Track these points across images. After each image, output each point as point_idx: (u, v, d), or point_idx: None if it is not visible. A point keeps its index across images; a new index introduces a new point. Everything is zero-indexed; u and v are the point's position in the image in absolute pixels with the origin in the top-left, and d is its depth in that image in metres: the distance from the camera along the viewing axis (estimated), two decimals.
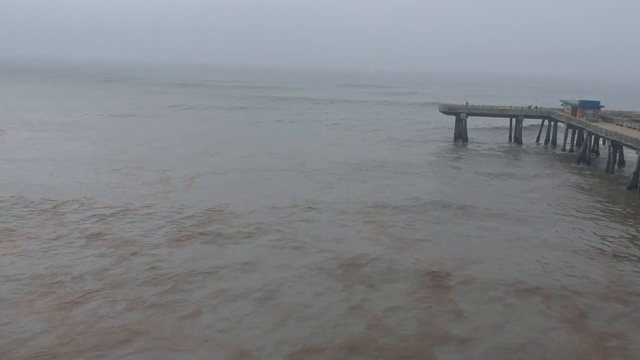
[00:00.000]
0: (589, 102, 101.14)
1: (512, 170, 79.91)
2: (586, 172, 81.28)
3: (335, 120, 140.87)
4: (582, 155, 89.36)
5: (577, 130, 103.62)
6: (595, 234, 50.48)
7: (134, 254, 41.76)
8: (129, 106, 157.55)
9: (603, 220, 55.12)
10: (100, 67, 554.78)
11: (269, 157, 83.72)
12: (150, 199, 56.74)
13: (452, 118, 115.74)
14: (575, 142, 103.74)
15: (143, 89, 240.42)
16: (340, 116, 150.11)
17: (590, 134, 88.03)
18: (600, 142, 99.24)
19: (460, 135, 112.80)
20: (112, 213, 51.36)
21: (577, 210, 58.38)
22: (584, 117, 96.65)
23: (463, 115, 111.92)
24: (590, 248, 46.51)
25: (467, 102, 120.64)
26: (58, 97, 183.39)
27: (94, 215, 50.67)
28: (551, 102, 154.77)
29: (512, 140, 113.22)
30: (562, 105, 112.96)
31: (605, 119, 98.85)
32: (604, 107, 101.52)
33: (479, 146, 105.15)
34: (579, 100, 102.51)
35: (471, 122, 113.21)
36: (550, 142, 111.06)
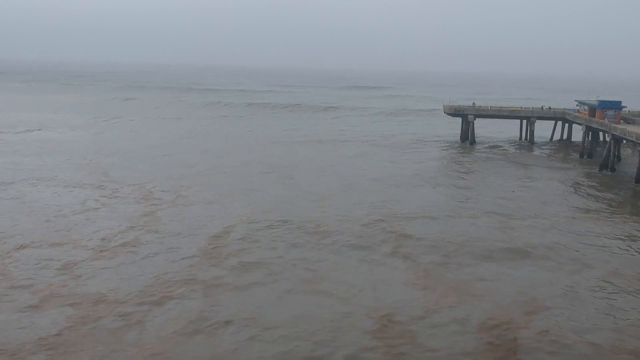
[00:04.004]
0: (610, 102, 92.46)
1: (531, 187, 69.21)
2: (615, 182, 72.21)
3: (335, 132, 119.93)
4: (605, 162, 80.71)
5: (591, 133, 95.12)
6: None
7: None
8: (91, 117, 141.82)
9: None
10: (92, 71, 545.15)
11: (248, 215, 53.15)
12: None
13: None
14: (590, 146, 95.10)
15: (118, 94, 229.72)
16: (341, 129, 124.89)
17: (614, 137, 79.37)
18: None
19: (467, 138, 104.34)
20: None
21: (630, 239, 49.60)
22: (605, 118, 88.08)
23: (470, 117, 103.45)
24: None
25: (473, 103, 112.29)
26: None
27: None
28: (548, 102, 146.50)
29: (524, 144, 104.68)
30: (577, 105, 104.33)
31: (627, 120, 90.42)
32: (625, 107, 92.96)
33: (489, 153, 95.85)
34: (597, 101, 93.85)
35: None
36: (565, 146, 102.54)
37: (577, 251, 44.59)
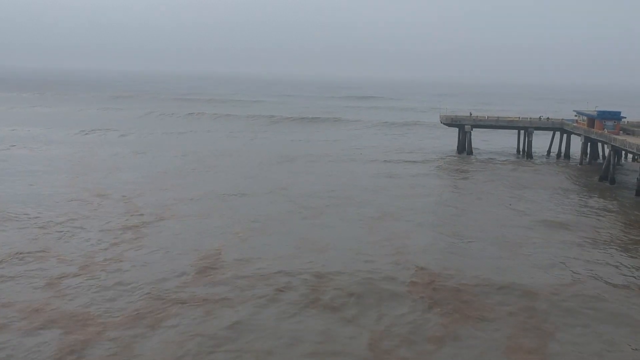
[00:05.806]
0: (609, 112, 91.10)
1: (534, 207, 65.49)
2: (616, 197, 70.06)
3: (332, 146, 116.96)
4: (605, 173, 79.14)
5: (589, 144, 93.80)
6: None
7: None
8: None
9: None
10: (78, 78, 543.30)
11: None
12: None
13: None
14: (588, 156, 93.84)
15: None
16: (339, 142, 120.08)
17: (614, 148, 77.84)
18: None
19: (464, 150, 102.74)
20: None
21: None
22: (604, 129, 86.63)
23: (468, 128, 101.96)
24: None
25: (470, 113, 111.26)
26: None
27: None
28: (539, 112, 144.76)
29: (521, 154, 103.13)
30: (575, 116, 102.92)
31: (627, 131, 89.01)
32: (625, 117, 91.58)
33: (487, 166, 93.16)
34: (596, 111, 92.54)
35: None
36: (563, 156, 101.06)
37: (600, 296, 39.17)
